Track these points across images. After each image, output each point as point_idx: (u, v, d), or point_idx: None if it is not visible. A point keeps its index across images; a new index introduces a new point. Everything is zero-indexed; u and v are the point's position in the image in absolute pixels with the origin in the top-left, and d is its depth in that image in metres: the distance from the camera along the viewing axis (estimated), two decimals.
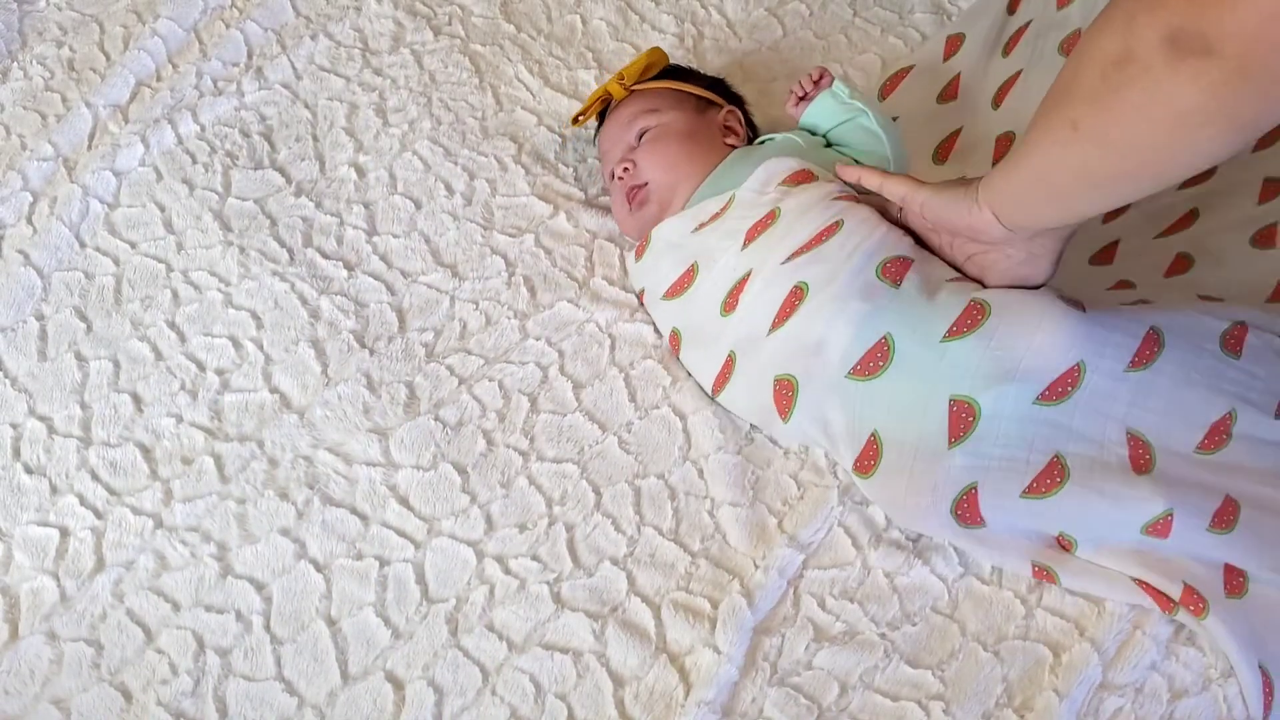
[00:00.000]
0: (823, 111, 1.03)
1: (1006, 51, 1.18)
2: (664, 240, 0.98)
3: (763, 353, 0.89)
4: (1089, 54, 0.64)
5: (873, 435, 0.84)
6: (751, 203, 0.94)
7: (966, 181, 0.82)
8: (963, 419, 0.82)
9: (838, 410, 0.86)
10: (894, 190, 0.88)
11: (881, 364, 0.84)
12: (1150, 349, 0.82)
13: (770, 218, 0.92)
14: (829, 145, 1.04)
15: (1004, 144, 1.11)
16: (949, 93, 1.17)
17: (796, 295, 0.87)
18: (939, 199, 0.84)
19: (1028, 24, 1.18)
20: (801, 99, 1.05)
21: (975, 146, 1.13)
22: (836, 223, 0.89)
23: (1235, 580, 0.80)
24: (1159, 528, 0.80)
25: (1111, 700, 0.78)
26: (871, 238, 0.88)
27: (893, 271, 0.86)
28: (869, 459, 0.84)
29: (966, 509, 0.81)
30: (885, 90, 1.19)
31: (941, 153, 1.13)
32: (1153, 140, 0.63)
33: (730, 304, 0.91)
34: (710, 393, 0.93)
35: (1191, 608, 0.78)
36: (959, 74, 1.17)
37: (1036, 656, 0.81)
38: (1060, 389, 0.81)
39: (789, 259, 0.89)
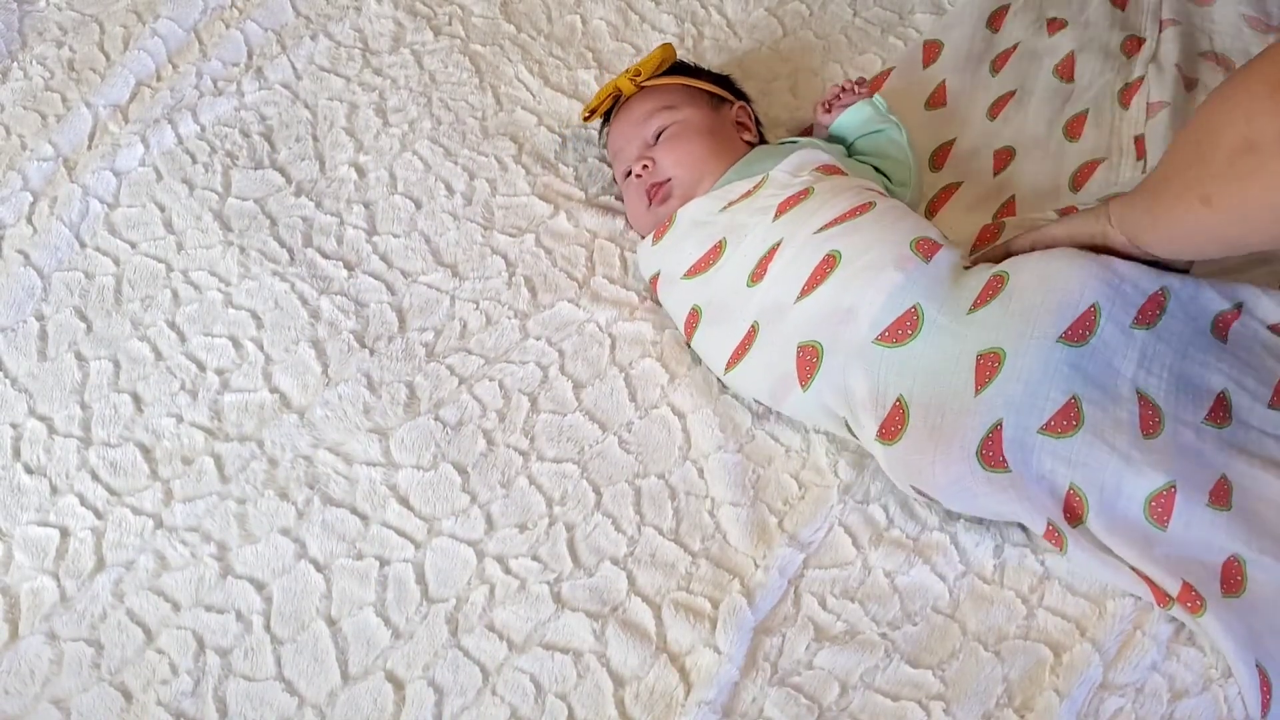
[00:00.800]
0: (859, 117, 1.05)
1: (995, 70, 1.20)
2: (690, 219, 0.98)
3: (788, 321, 0.89)
4: (1213, 135, 0.73)
5: (899, 400, 0.84)
6: (785, 183, 0.96)
7: (1090, 210, 0.91)
8: (989, 367, 0.83)
9: (861, 377, 0.86)
10: (1021, 247, 0.93)
11: (910, 333, 0.85)
12: (1154, 309, 0.85)
13: (804, 194, 0.94)
14: (850, 155, 1.05)
15: (1003, 157, 1.13)
16: (936, 100, 1.18)
17: (828, 263, 0.88)
18: (1066, 230, 0.91)
19: (1015, 45, 1.20)
20: (837, 99, 1.06)
21: (973, 155, 1.14)
22: (869, 203, 0.92)
23: (1233, 579, 0.80)
24: (1162, 503, 0.80)
25: (1112, 700, 0.78)
26: (904, 220, 0.91)
27: (925, 248, 0.88)
28: (895, 425, 0.84)
29: (991, 449, 0.81)
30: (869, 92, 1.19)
31: (937, 159, 1.14)
32: (1277, 215, 0.72)
33: (758, 274, 0.92)
34: (722, 370, 0.93)
35: (1189, 605, 0.78)
36: (944, 81, 1.18)
37: (1037, 656, 0.81)
38: (1080, 331, 0.83)
39: (822, 229, 0.90)
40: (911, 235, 0.89)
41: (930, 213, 1.09)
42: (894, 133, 1.04)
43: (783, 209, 0.93)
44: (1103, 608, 0.82)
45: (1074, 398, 0.82)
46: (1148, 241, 0.85)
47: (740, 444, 0.91)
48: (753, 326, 0.91)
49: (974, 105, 1.18)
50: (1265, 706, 0.76)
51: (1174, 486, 0.81)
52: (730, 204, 0.97)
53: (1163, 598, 0.80)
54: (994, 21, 1.22)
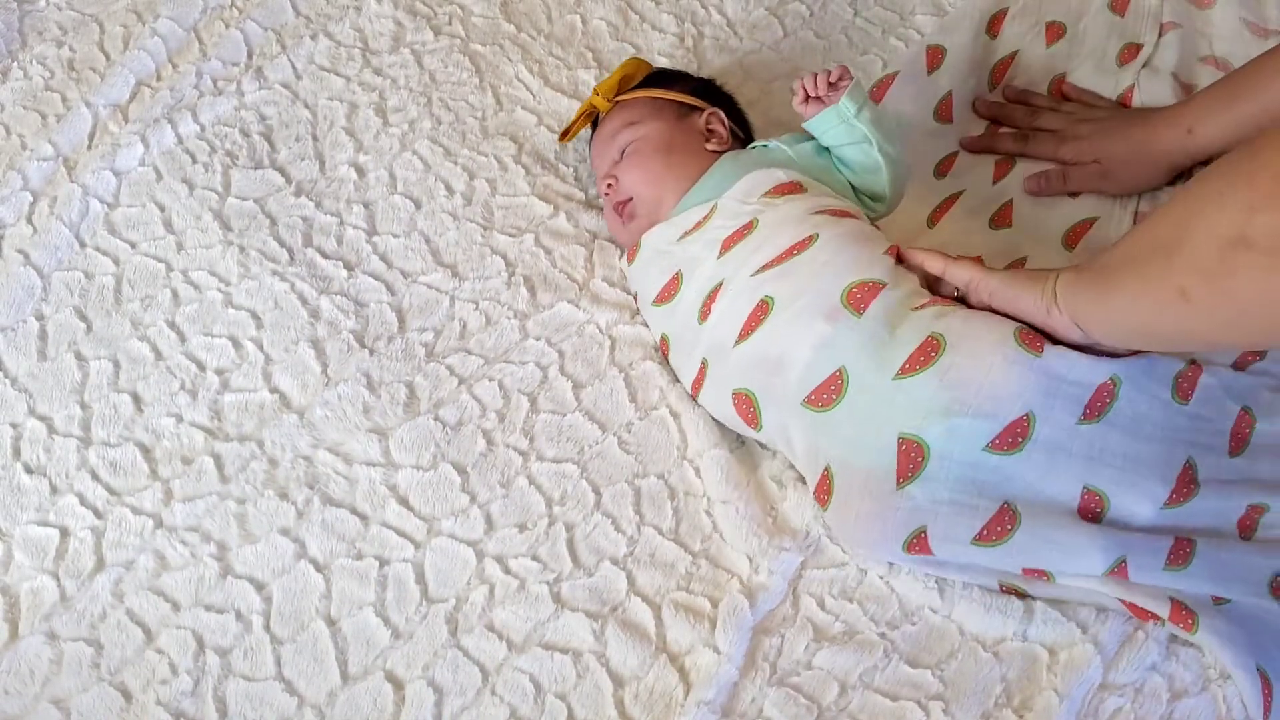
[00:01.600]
0: (826, 129, 0.97)
1: (994, 82, 1.20)
2: (652, 247, 0.98)
3: (728, 363, 0.88)
4: (1198, 224, 0.66)
5: (826, 468, 0.83)
6: (734, 212, 0.94)
7: (1038, 275, 0.82)
8: (912, 458, 0.79)
9: (799, 434, 0.85)
10: (958, 276, 0.87)
11: (835, 397, 0.82)
12: (1103, 399, 0.79)
13: (748, 228, 0.91)
14: (825, 148, 1.01)
15: (1003, 166, 1.13)
16: (944, 112, 1.17)
17: (762, 309, 0.87)
18: (1009, 291, 0.83)
19: (1014, 54, 1.20)
20: (813, 98, 0.98)
21: (975, 165, 1.15)
22: (810, 236, 0.88)
23: None
24: (1117, 571, 0.78)
25: (1111, 700, 0.78)
26: (843, 255, 0.87)
27: (858, 299, 0.84)
28: (824, 491, 0.83)
29: (918, 547, 0.80)
30: (873, 97, 1.19)
31: (942, 168, 1.15)
32: (1268, 319, 0.66)
33: (705, 312, 0.91)
34: (692, 397, 0.94)
35: (1182, 624, 0.77)
36: (950, 92, 1.17)
37: (1036, 656, 0.81)
38: (1010, 439, 0.79)
39: (759, 271, 0.88)
40: (847, 281, 0.84)
41: (932, 221, 1.09)
42: (866, 146, 0.96)
43: (726, 245, 0.91)
44: (1102, 607, 0.82)
45: (1006, 503, 0.79)
46: (1097, 330, 0.78)
47: (732, 445, 0.92)
48: (703, 362, 0.91)
49: (977, 118, 1.19)
50: (1267, 710, 0.76)
51: (1124, 561, 0.78)
52: (686, 234, 0.95)
53: (1152, 618, 0.79)
54: (993, 27, 1.21)
